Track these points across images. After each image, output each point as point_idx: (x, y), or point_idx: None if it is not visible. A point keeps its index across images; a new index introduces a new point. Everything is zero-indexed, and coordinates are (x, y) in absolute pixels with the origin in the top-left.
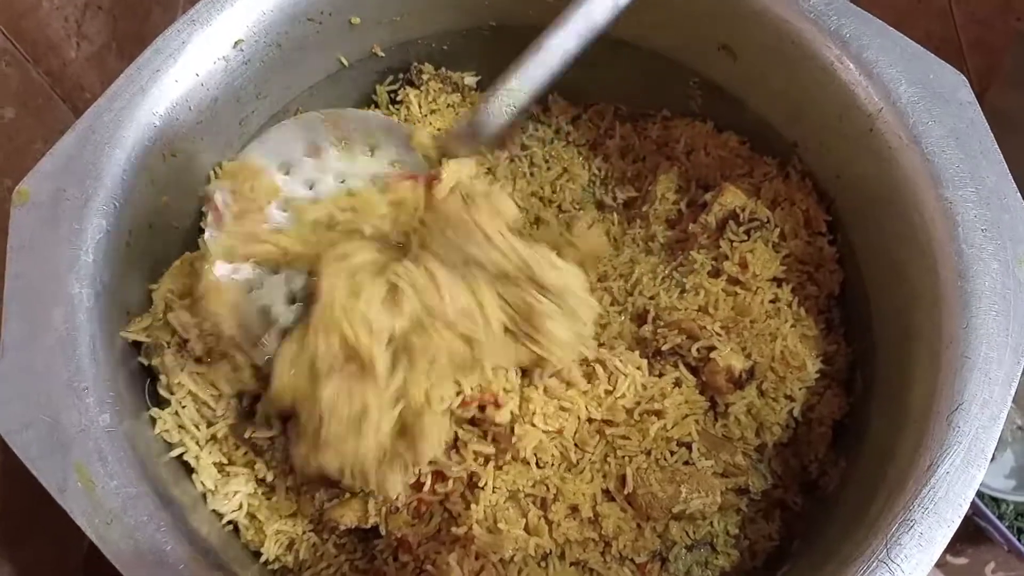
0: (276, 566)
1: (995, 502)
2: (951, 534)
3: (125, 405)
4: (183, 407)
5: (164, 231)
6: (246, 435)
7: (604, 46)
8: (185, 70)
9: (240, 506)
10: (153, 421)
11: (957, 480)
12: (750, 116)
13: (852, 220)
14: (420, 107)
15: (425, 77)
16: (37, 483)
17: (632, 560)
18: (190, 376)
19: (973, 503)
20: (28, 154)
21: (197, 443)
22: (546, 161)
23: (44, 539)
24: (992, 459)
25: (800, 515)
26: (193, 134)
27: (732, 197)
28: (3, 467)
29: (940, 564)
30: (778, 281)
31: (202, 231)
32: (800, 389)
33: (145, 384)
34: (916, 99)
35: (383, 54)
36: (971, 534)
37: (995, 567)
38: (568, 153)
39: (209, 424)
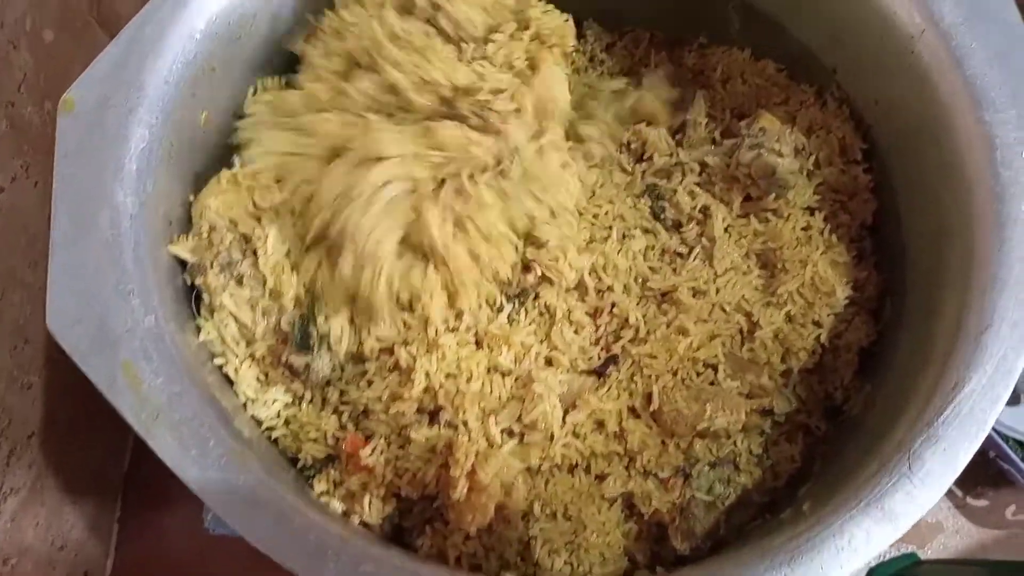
0: (312, 472)
1: (1020, 445)
2: (974, 450)
3: (170, 313)
4: (225, 326)
5: (204, 147)
6: (283, 358)
7: None
8: None
9: (278, 414)
10: (198, 330)
11: (983, 397)
12: (789, 41)
13: (889, 146)
14: None
15: None
16: (80, 400)
17: (656, 475)
18: (231, 298)
19: (996, 444)
20: (68, 76)
21: (237, 358)
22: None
23: (87, 454)
24: (1018, 401)
25: (823, 439)
26: (232, 50)
27: (767, 124)
28: (47, 383)
29: (960, 506)
30: (811, 210)
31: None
32: (828, 315)
33: (191, 298)
34: (960, 20)
35: None
36: (993, 477)
37: (1015, 510)
38: (602, 82)
39: (248, 343)
